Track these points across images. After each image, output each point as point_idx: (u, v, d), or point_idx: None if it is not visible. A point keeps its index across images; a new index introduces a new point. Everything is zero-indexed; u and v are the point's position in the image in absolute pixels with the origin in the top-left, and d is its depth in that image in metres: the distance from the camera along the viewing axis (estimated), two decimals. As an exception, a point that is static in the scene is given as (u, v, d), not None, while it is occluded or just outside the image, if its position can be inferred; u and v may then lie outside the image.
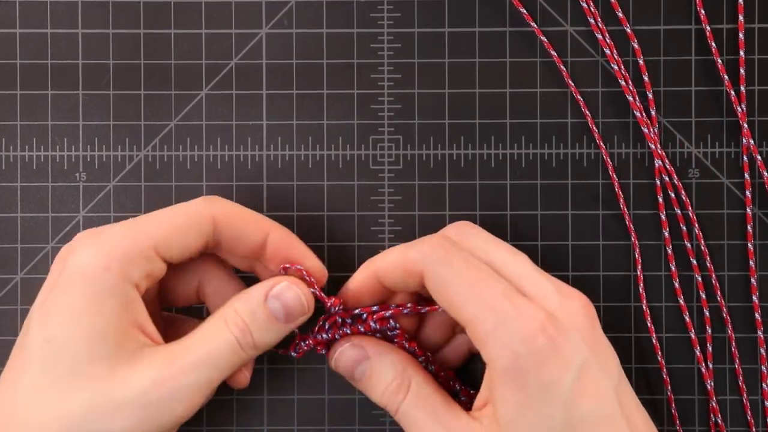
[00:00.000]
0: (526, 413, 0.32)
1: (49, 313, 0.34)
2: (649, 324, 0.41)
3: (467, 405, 0.36)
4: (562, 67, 0.41)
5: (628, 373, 0.36)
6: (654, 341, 0.41)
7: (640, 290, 0.42)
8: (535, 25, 0.42)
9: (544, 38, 0.42)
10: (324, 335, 0.38)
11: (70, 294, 0.34)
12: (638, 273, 0.42)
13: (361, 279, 0.37)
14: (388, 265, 0.36)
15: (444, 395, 0.36)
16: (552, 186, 0.42)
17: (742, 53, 0.41)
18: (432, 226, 0.41)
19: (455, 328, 0.39)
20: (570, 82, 0.42)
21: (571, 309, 0.34)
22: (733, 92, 0.41)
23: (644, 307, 0.41)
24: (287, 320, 0.36)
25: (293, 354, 0.39)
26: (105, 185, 0.42)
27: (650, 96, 0.42)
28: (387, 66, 0.42)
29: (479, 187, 0.42)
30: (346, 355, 0.37)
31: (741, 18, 0.41)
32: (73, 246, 0.35)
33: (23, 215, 0.42)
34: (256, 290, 0.36)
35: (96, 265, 0.34)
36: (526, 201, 0.42)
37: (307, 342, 0.39)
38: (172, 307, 0.40)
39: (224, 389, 0.40)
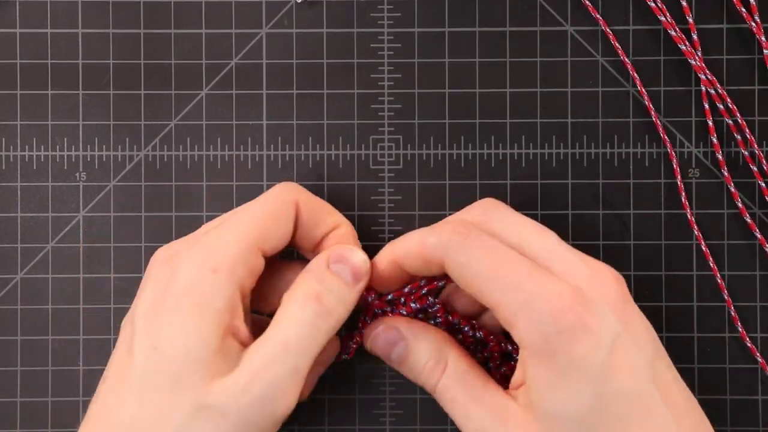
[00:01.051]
0: (557, 391, 0.32)
1: (158, 321, 0.34)
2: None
3: (507, 382, 0.36)
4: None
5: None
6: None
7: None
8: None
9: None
10: None
11: (178, 300, 0.34)
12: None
13: (383, 265, 0.37)
14: (408, 253, 0.36)
15: (481, 372, 0.36)
16: (552, 186, 0.42)
17: (767, 51, 0.41)
18: (432, 226, 0.41)
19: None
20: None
21: (601, 283, 0.33)
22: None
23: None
24: (354, 280, 0.36)
25: (345, 357, 0.39)
26: (105, 185, 0.42)
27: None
28: (387, 66, 0.42)
29: (479, 187, 0.42)
30: (381, 337, 0.37)
31: (757, 18, 0.42)
32: (179, 253, 0.35)
33: (23, 215, 0.42)
34: (317, 260, 0.36)
35: (205, 268, 0.34)
36: (526, 201, 0.42)
37: (354, 340, 0.39)
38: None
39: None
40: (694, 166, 0.42)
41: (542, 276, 0.33)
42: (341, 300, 0.36)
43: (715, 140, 0.41)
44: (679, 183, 0.42)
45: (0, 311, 0.42)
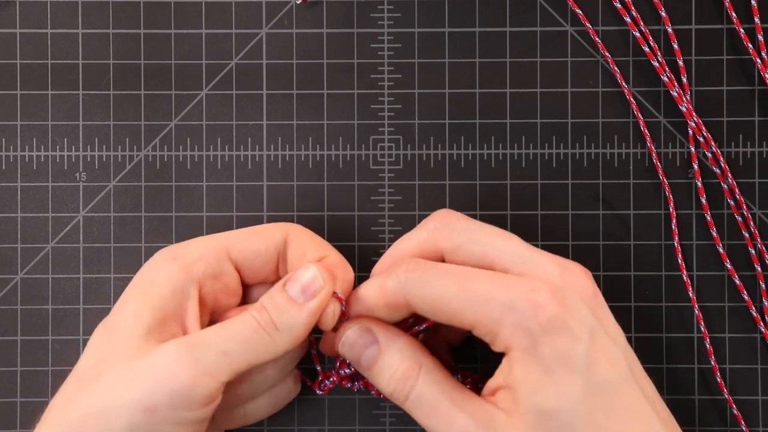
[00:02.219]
0: (546, 386, 0.32)
1: (116, 306, 0.36)
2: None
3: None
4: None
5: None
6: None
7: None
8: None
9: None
10: (346, 370, 0.38)
11: (131, 284, 0.36)
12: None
13: (358, 319, 0.36)
14: (373, 306, 0.35)
15: (455, 381, 0.36)
16: (552, 186, 0.42)
17: (764, 53, 0.42)
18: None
19: None
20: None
21: (571, 280, 0.34)
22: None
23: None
24: (304, 297, 0.36)
25: (318, 392, 0.39)
26: (105, 185, 0.42)
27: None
28: (387, 66, 0.42)
29: (479, 187, 0.42)
30: (352, 339, 0.36)
31: (757, 20, 0.42)
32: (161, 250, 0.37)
33: (23, 215, 0.42)
34: (278, 282, 0.36)
35: (163, 258, 0.36)
36: (526, 201, 0.42)
37: (331, 379, 0.39)
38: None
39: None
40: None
41: (511, 279, 0.33)
42: (286, 315, 0.35)
43: (702, 140, 0.41)
44: (663, 184, 0.42)
45: (0, 311, 0.42)
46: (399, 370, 0.35)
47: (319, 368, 0.39)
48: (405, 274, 0.34)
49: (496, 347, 0.34)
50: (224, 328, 0.35)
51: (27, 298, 0.42)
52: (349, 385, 0.39)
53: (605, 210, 0.42)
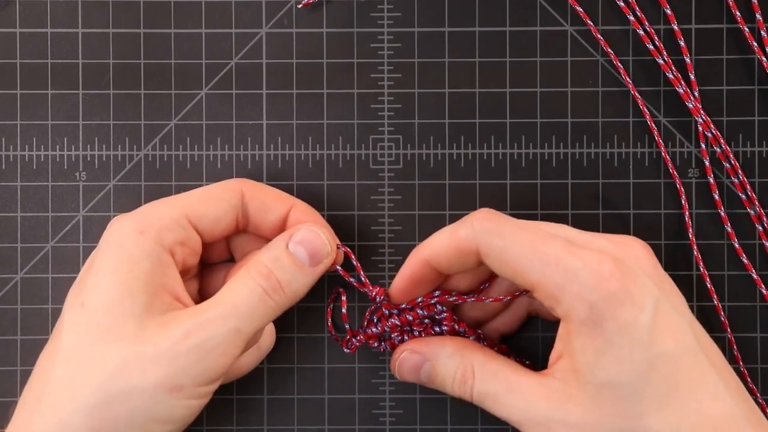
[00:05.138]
0: (606, 358, 0.32)
1: (83, 281, 0.36)
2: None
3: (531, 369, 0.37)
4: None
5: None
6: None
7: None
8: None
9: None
10: (374, 329, 0.39)
11: (104, 259, 0.35)
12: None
13: (411, 269, 0.37)
14: (440, 249, 0.36)
15: (510, 364, 0.36)
16: (552, 186, 0.42)
17: None
18: (432, 226, 0.41)
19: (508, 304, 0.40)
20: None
21: (631, 253, 0.34)
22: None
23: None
24: (312, 263, 0.37)
25: (346, 350, 0.40)
26: (105, 185, 0.42)
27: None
28: (387, 66, 0.42)
29: (479, 187, 0.42)
30: (406, 364, 0.38)
31: (758, 16, 0.42)
32: (112, 222, 0.37)
33: (23, 215, 0.42)
34: (279, 238, 0.37)
35: (130, 231, 0.36)
36: (526, 201, 0.42)
37: (358, 338, 0.39)
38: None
39: (224, 390, 0.40)
40: (694, 166, 0.42)
41: (579, 248, 0.33)
42: (293, 280, 0.36)
43: (703, 139, 0.41)
44: (678, 183, 0.42)
45: (0, 311, 0.42)
46: (456, 376, 0.36)
47: (347, 326, 0.39)
48: (480, 223, 0.35)
49: (556, 313, 0.34)
50: (232, 301, 0.35)
51: (27, 298, 0.42)
52: (376, 344, 0.40)
53: (605, 210, 0.42)
